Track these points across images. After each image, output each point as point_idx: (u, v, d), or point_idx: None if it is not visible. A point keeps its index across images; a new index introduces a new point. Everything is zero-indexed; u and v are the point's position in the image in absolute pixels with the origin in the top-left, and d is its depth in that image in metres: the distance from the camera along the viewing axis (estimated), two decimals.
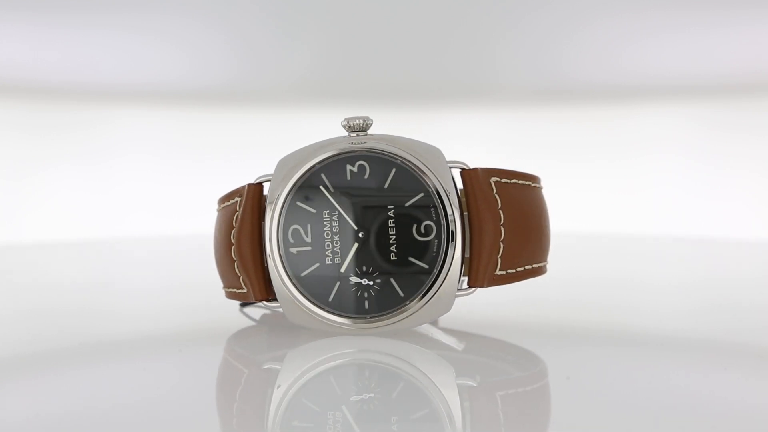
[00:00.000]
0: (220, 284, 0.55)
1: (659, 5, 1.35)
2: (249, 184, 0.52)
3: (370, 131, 0.51)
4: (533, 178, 0.54)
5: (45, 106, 1.60)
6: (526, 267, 0.52)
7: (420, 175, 0.49)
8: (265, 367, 0.48)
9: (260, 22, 1.43)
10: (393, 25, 1.44)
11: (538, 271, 0.54)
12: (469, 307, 0.61)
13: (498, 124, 1.72)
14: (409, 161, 0.49)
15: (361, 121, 0.50)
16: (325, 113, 1.70)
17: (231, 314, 0.54)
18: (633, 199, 1.65)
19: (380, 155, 0.49)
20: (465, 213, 0.49)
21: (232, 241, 0.51)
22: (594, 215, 1.60)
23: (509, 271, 0.50)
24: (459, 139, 1.71)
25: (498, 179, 0.50)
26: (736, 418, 0.38)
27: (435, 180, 0.49)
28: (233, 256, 0.52)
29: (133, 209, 1.62)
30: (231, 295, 0.54)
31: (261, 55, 1.55)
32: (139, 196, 1.63)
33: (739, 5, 1.34)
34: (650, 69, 1.55)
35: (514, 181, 0.51)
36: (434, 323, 0.57)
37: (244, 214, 0.51)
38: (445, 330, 0.56)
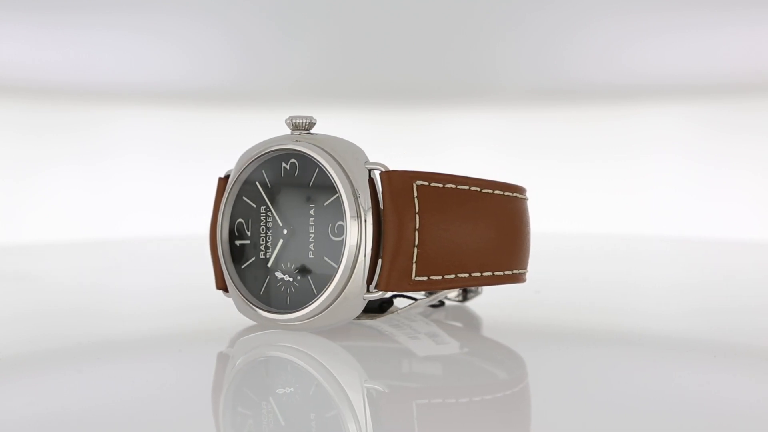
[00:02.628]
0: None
1: (659, 6, 1.35)
2: (219, 178, 0.54)
3: (313, 130, 0.51)
4: (488, 184, 0.51)
5: (45, 106, 1.61)
6: (460, 275, 0.49)
7: (335, 176, 0.48)
8: (222, 351, 0.50)
9: (260, 23, 1.43)
10: (393, 25, 1.44)
11: (495, 280, 0.51)
12: (465, 307, 0.61)
13: (498, 124, 1.72)
14: (328, 161, 0.48)
15: (304, 121, 0.50)
16: (325, 113, 1.71)
17: (231, 314, 0.54)
18: (633, 200, 1.65)
19: (306, 155, 0.49)
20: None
21: None
22: (593, 215, 1.60)
23: (433, 277, 0.48)
24: (459, 139, 1.72)
25: (425, 183, 0.48)
26: (736, 418, 0.38)
27: (348, 181, 0.47)
28: None
29: (133, 209, 1.62)
30: None
31: (261, 55, 1.55)
32: (139, 196, 1.63)
33: (739, 6, 1.34)
34: (650, 69, 1.55)
35: (449, 186, 0.49)
36: (437, 321, 0.57)
37: (214, 207, 0.54)
38: (437, 329, 0.56)
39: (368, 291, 0.47)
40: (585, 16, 1.40)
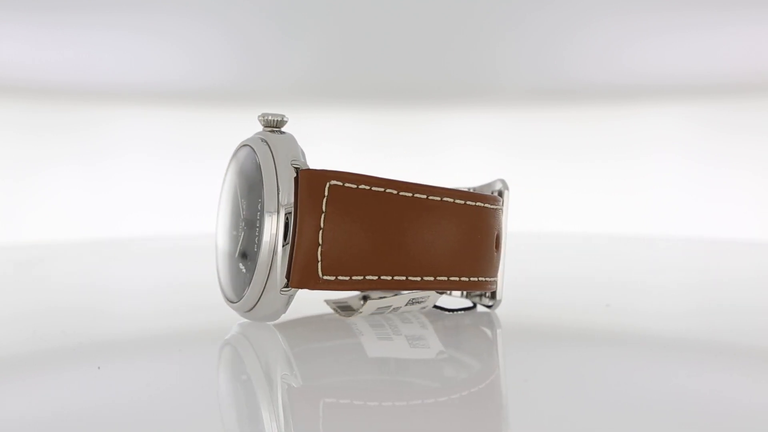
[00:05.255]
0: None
1: (659, 6, 1.35)
2: None
3: (284, 128, 0.52)
4: (410, 188, 0.50)
5: (45, 106, 1.61)
6: (368, 278, 0.49)
7: (263, 172, 0.49)
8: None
9: (260, 23, 1.43)
10: (393, 25, 1.44)
11: (414, 285, 0.50)
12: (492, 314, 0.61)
13: (498, 124, 1.72)
14: (265, 158, 0.49)
15: (275, 118, 0.51)
16: (325, 113, 1.71)
17: (230, 313, 0.54)
18: (633, 199, 1.65)
19: (256, 151, 0.50)
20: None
21: None
22: (593, 215, 1.60)
23: (340, 278, 0.48)
24: (459, 139, 1.72)
25: (338, 183, 0.48)
26: (736, 418, 0.38)
27: (275, 178, 0.48)
28: None
29: (133, 209, 1.62)
30: None
31: (261, 55, 1.55)
32: (139, 196, 1.63)
33: (739, 6, 1.34)
34: (650, 69, 1.55)
35: (363, 187, 0.49)
36: (461, 326, 0.57)
37: None
38: (429, 332, 0.56)
39: (285, 286, 0.48)
40: (585, 16, 1.40)
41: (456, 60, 1.57)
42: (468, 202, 0.52)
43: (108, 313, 0.66)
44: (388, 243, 0.49)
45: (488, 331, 0.57)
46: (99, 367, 0.45)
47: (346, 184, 0.48)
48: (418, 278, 0.51)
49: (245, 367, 0.47)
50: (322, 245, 0.48)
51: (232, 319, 0.54)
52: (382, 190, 0.49)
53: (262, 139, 0.50)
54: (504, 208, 0.57)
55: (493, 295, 0.59)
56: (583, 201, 1.63)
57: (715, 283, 0.87)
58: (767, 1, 1.33)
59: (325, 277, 0.48)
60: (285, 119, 0.51)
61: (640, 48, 1.49)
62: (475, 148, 1.69)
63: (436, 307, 0.59)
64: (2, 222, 1.53)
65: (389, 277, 0.50)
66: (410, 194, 0.50)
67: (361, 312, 0.53)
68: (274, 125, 0.51)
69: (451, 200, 0.52)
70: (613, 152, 1.68)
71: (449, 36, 1.47)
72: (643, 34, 1.44)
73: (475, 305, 0.60)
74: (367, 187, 0.49)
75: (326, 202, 0.48)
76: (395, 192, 0.50)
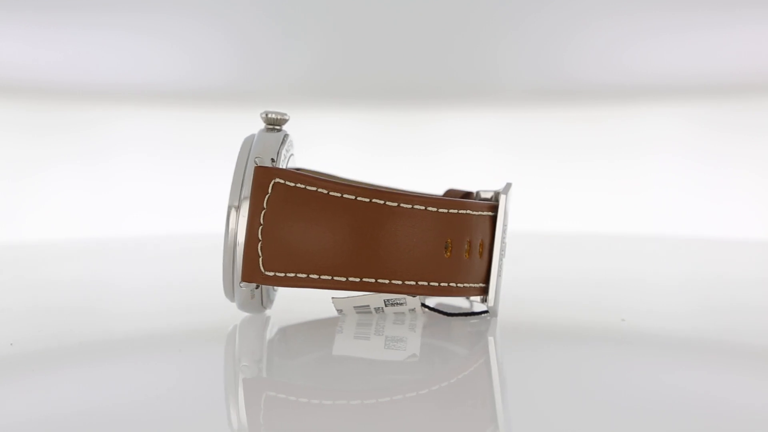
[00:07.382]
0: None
1: (660, 6, 1.35)
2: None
3: (285, 126, 0.53)
4: (344, 189, 0.50)
5: (45, 106, 1.61)
6: (299, 275, 0.49)
7: (235, 168, 0.50)
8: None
9: (260, 23, 1.43)
10: (394, 25, 1.44)
11: (349, 286, 0.50)
12: (461, 303, 0.61)
13: (498, 124, 1.72)
14: (242, 154, 0.51)
15: (275, 116, 0.52)
16: (325, 113, 1.71)
17: (231, 314, 0.54)
18: (633, 199, 1.65)
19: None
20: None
21: None
22: (594, 215, 1.61)
23: (278, 274, 0.49)
24: (459, 139, 1.72)
25: (281, 181, 0.49)
26: (735, 418, 0.38)
27: (242, 173, 0.50)
28: None
29: (133, 209, 1.62)
30: None
31: (261, 55, 1.55)
32: (139, 196, 1.63)
33: (739, 6, 1.34)
34: (650, 69, 1.55)
35: (300, 186, 0.49)
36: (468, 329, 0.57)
37: None
38: (416, 334, 0.56)
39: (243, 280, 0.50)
40: (585, 16, 1.40)
41: (457, 60, 1.57)
42: (402, 205, 0.51)
43: (108, 312, 0.66)
44: (314, 241, 0.50)
45: (486, 331, 0.57)
46: (11, 344, 0.47)
47: (287, 183, 0.49)
48: (345, 279, 0.51)
49: (223, 362, 0.48)
50: (261, 241, 0.49)
51: (232, 318, 0.54)
52: (315, 189, 0.50)
53: (253, 136, 0.51)
54: (500, 213, 0.57)
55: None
56: (583, 201, 1.63)
57: (716, 283, 0.87)
58: (767, 1, 1.33)
59: (267, 273, 0.49)
60: (286, 117, 0.52)
61: (640, 48, 1.49)
62: (475, 148, 1.69)
63: (432, 309, 0.59)
64: (2, 222, 1.53)
65: (317, 276, 0.50)
66: (339, 195, 0.50)
67: (341, 310, 0.54)
68: (272, 122, 0.52)
69: (381, 202, 0.51)
70: (613, 152, 1.68)
71: (450, 36, 1.48)
72: (643, 34, 1.44)
73: (487, 310, 0.60)
74: (303, 186, 0.50)
75: (268, 199, 0.49)
76: (325, 192, 0.50)
